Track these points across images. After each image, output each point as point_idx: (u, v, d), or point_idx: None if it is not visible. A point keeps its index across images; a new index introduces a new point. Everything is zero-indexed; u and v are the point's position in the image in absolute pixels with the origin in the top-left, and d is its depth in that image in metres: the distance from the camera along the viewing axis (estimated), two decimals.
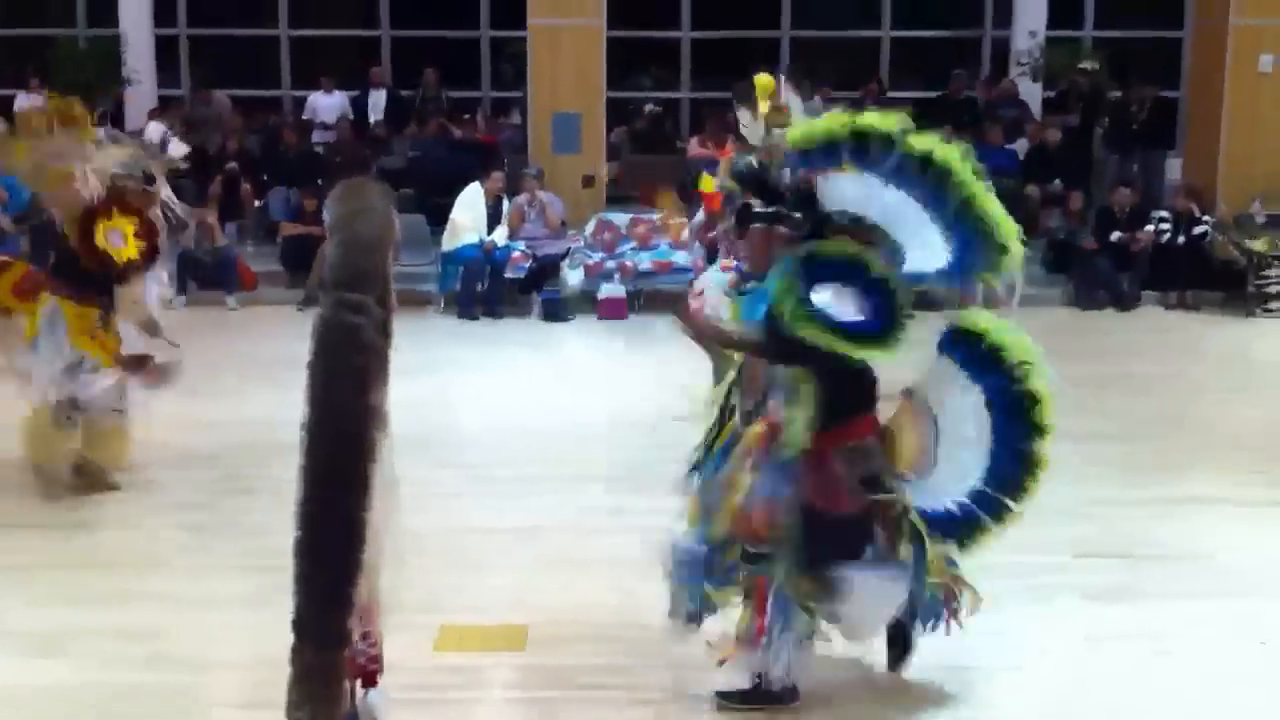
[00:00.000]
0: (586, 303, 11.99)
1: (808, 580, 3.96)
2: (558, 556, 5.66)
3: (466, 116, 15.04)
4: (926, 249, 3.93)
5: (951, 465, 4.25)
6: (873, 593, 3.97)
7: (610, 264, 12.22)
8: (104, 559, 5.63)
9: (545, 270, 12.06)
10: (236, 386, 8.70)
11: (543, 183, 12.48)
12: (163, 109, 14.87)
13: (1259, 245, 12.67)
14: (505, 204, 12.23)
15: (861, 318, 3.81)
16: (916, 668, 4.53)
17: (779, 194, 3.99)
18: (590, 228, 12.58)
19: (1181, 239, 12.70)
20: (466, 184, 12.18)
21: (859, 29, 17.05)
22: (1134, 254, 12.71)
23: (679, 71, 16.92)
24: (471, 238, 11.90)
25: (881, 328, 3.81)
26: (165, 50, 16.57)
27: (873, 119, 3.82)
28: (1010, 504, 4.35)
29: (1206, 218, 12.93)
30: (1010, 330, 4.20)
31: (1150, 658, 4.70)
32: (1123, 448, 7.43)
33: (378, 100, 15.57)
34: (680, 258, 12.18)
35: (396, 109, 15.44)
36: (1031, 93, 15.74)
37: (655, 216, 12.49)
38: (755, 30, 16.90)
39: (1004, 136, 14.46)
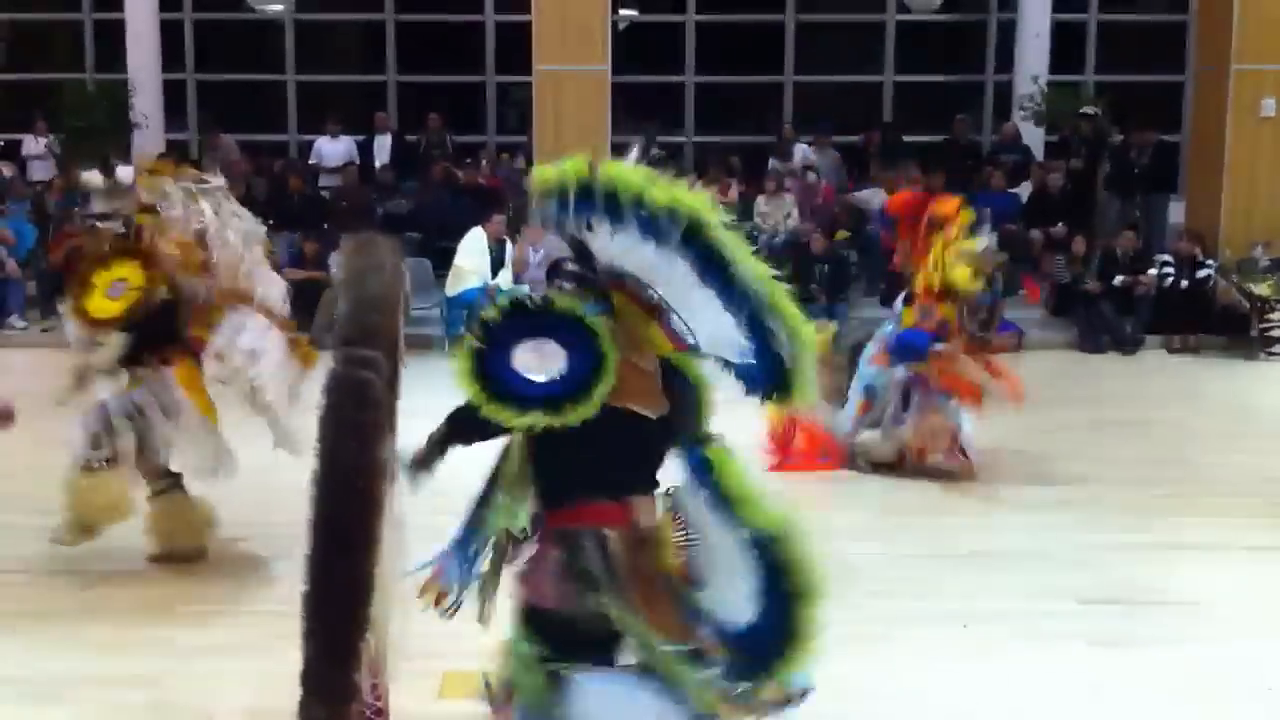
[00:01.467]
0: None
1: (535, 675, 3.31)
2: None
3: (469, 161, 15.12)
4: (707, 320, 3.23)
5: (723, 589, 3.31)
6: (608, 705, 3.22)
7: None
8: (104, 605, 5.62)
9: None
10: (237, 431, 8.68)
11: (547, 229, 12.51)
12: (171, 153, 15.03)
13: (1263, 289, 12.71)
14: (509, 247, 12.28)
15: (556, 377, 3.13)
16: (920, 714, 4.52)
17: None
18: None
19: (1184, 283, 12.75)
20: (471, 228, 12.25)
21: (862, 74, 17.15)
22: (1136, 298, 12.74)
23: (682, 116, 17.01)
24: (475, 282, 11.94)
25: (573, 386, 3.11)
26: (173, 94, 16.71)
27: (610, 170, 3.14)
28: (767, 669, 3.30)
29: (1209, 262, 12.98)
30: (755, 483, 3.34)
31: (1156, 705, 4.67)
32: (1124, 492, 7.43)
33: (383, 145, 15.67)
34: None
35: (402, 154, 15.53)
36: (1034, 137, 15.82)
37: None
38: (759, 75, 17.01)
39: (1007, 181, 14.51)
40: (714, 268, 3.13)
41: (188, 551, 6.02)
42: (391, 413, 3.12)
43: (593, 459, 3.21)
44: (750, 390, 3.37)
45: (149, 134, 15.78)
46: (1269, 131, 13.91)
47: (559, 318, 3.17)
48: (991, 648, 5.11)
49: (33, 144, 15.33)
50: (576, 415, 3.09)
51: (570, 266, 3.31)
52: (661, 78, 16.86)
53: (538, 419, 3.10)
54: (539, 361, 3.12)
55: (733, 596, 3.25)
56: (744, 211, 14.16)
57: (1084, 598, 5.70)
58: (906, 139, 16.00)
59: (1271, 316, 12.56)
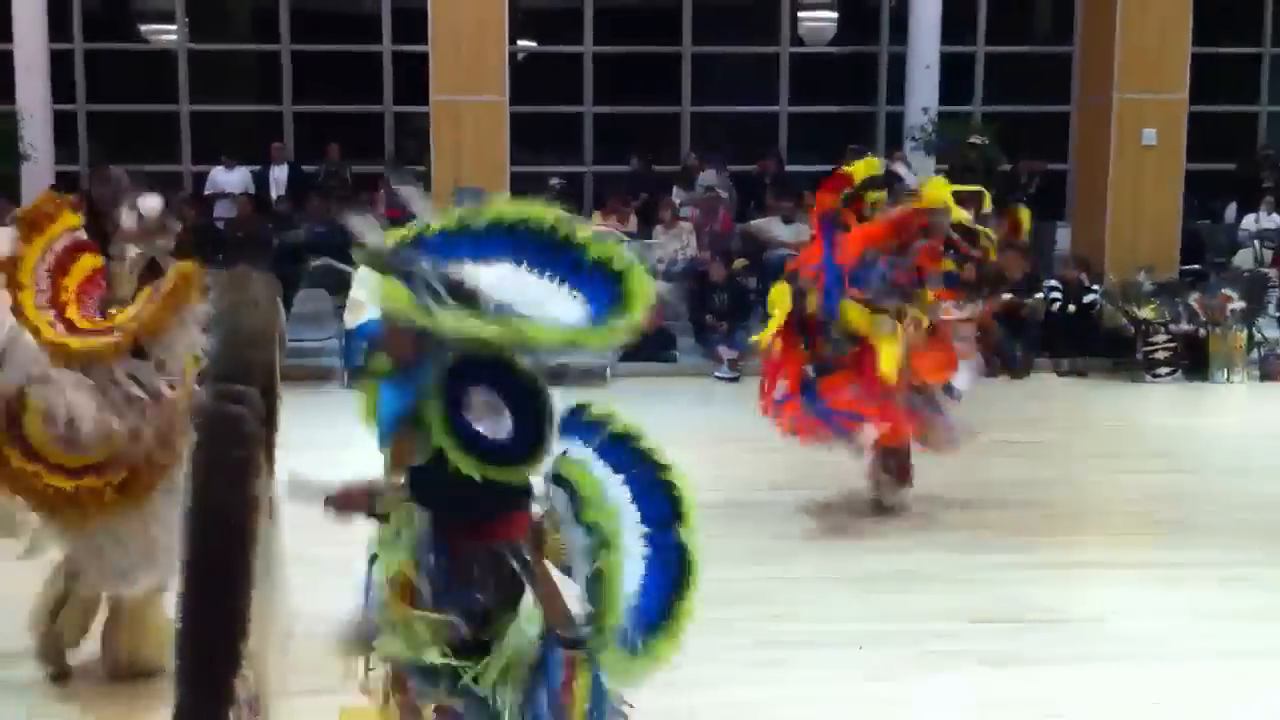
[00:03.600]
0: None
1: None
2: None
3: (379, 191, 15.01)
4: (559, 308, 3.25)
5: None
6: None
7: None
8: None
9: None
10: None
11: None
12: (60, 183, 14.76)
13: (1146, 312, 13.08)
14: None
15: (503, 435, 3.12)
16: None
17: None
18: None
19: (1072, 307, 13.08)
20: None
21: (757, 104, 17.39)
22: (1025, 322, 13.05)
23: (581, 146, 17.10)
24: (373, 313, 11.84)
25: (526, 448, 3.14)
26: (63, 126, 16.42)
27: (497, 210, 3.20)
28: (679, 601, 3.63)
29: (1095, 286, 13.33)
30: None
31: None
32: (1013, 513, 7.60)
33: (280, 175, 15.54)
34: None
35: (299, 184, 15.42)
36: (925, 166, 16.14)
37: None
38: (657, 106, 17.17)
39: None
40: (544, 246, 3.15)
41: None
42: (268, 447, 3.11)
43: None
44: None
45: (38, 166, 15.47)
46: (1151, 160, 14.35)
47: (502, 369, 3.09)
48: (887, 669, 5.20)
49: None
50: (527, 474, 3.14)
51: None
52: (560, 108, 16.94)
53: (498, 474, 3.05)
54: (488, 414, 3.06)
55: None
56: (642, 241, 14.28)
57: (975, 617, 5.83)
58: (801, 168, 16.25)
59: (1155, 339, 12.93)
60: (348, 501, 3.28)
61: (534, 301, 3.13)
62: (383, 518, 3.28)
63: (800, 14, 17.59)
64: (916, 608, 5.95)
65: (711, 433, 10.18)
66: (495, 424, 3.05)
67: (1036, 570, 6.54)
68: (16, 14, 15.78)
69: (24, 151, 15.28)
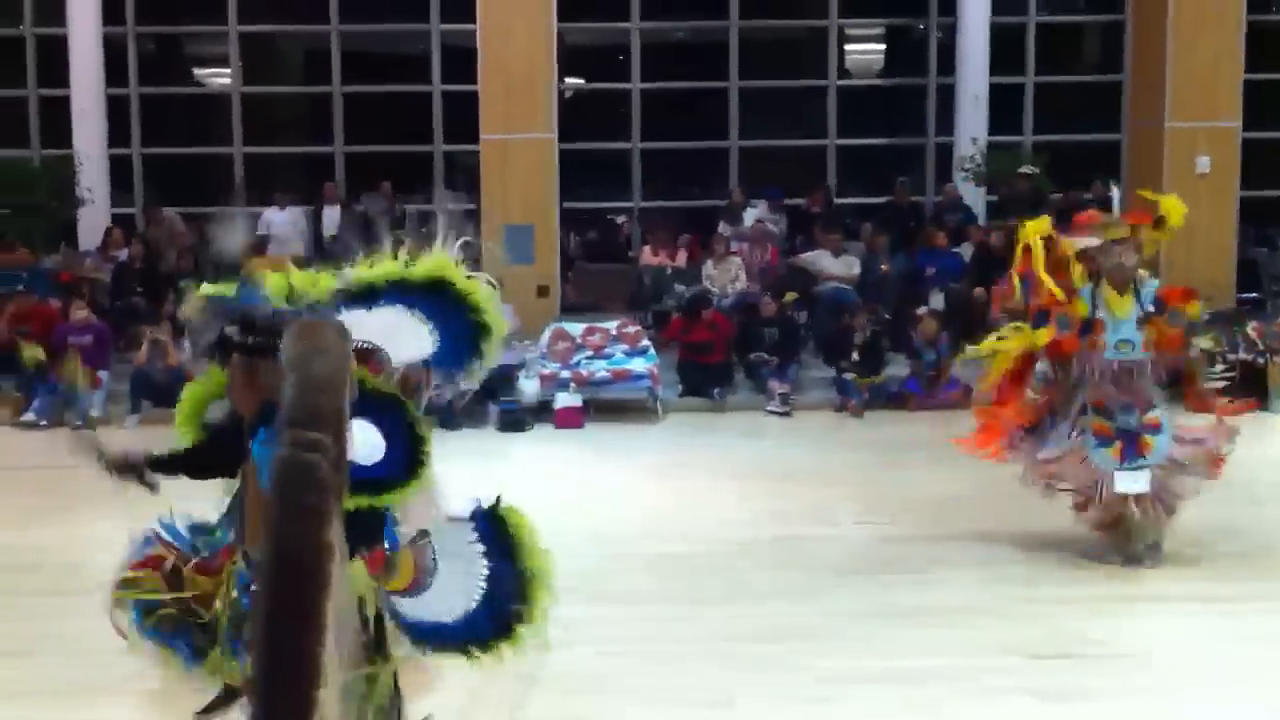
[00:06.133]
0: (544, 412, 12.04)
1: None
2: (507, 671, 5.61)
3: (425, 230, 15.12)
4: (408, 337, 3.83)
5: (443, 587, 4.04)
6: None
7: (565, 374, 12.29)
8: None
9: (501, 380, 12.09)
10: (186, 506, 8.63)
11: (499, 293, 12.61)
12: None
13: (1205, 343, 12.88)
14: None
15: (376, 458, 3.56)
16: None
17: (265, 326, 3.62)
18: (545, 338, 12.67)
19: None
20: None
21: (805, 138, 17.38)
22: None
23: (629, 182, 17.15)
24: None
25: (404, 472, 3.60)
26: (119, 169, 16.67)
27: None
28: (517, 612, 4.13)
29: None
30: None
31: None
32: (1068, 547, 7.48)
33: (332, 215, 15.69)
34: (637, 365, 12.30)
35: (352, 223, 15.53)
36: (975, 197, 16.07)
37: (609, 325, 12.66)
38: (704, 141, 17.21)
39: (950, 241, 14.71)
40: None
41: None
42: (339, 495, 3.13)
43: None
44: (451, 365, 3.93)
45: (94, 209, 15.71)
46: (1205, 188, 14.20)
47: (377, 399, 3.56)
48: (937, 706, 5.14)
49: None
50: (398, 498, 3.53)
51: (242, 338, 3.64)
52: (608, 144, 17.01)
53: (359, 501, 3.42)
54: (361, 444, 3.43)
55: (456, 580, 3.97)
56: (692, 275, 14.29)
57: (1029, 652, 5.75)
58: (850, 201, 16.23)
59: (1213, 369, 12.73)
60: (123, 466, 3.95)
61: (381, 332, 3.70)
62: (152, 488, 3.91)
63: (847, 46, 17.59)
64: (967, 642, 5.88)
65: (763, 467, 10.14)
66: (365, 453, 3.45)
67: (1092, 604, 6.45)
68: (74, 60, 16.08)
69: (81, 195, 15.52)
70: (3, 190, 15.05)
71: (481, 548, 4.09)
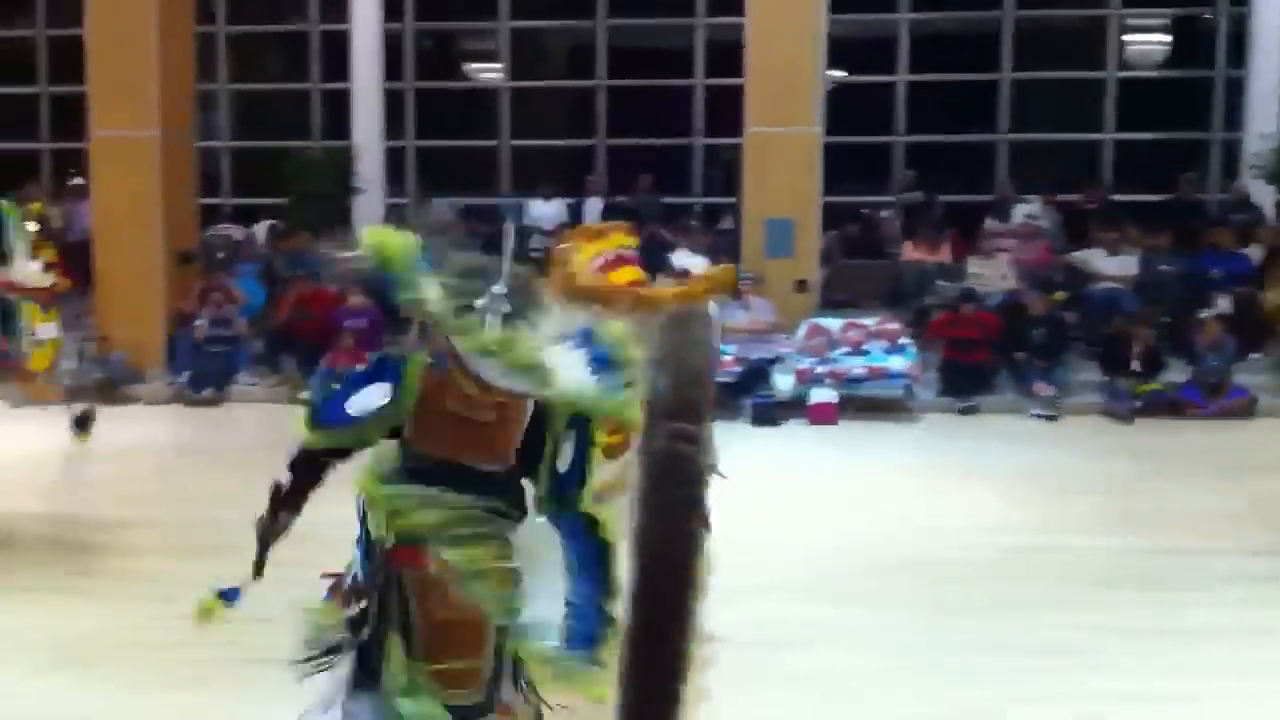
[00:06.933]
0: (797, 408, 11.89)
1: None
2: (749, 673, 5.51)
3: (686, 222, 15.20)
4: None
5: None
6: None
7: (821, 369, 12.09)
8: None
9: (755, 374, 12.01)
10: None
11: (758, 287, 12.59)
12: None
13: None
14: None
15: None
16: None
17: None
18: (802, 332, 12.51)
19: None
20: None
21: (1080, 131, 16.67)
22: None
23: (890, 176, 16.80)
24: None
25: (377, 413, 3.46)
26: (393, 160, 17.32)
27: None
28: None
29: None
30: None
31: None
32: None
33: (593, 207, 15.90)
34: (895, 363, 12.01)
35: (612, 215, 15.72)
36: (1265, 196, 15.09)
37: (868, 322, 12.42)
38: (971, 135, 16.71)
39: (1236, 242, 13.85)
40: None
41: None
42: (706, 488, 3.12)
43: None
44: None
45: (370, 199, 16.36)
46: None
47: (390, 361, 3.49)
48: None
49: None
50: (369, 436, 3.44)
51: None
52: (871, 138, 16.70)
53: (341, 438, 3.45)
54: (370, 398, 3.43)
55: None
56: (957, 272, 13.88)
57: None
58: (1127, 198, 15.47)
59: None
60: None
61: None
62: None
63: (1127, 36, 16.78)
64: (1248, 664, 5.47)
65: (1024, 473, 9.73)
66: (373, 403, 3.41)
67: None
68: (355, 56, 16.80)
69: (357, 185, 16.18)
70: (286, 180, 15.83)
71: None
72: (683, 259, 6.16)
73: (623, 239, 5.68)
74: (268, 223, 15.93)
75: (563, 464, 3.37)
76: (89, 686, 5.25)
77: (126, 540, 7.57)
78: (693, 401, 3.00)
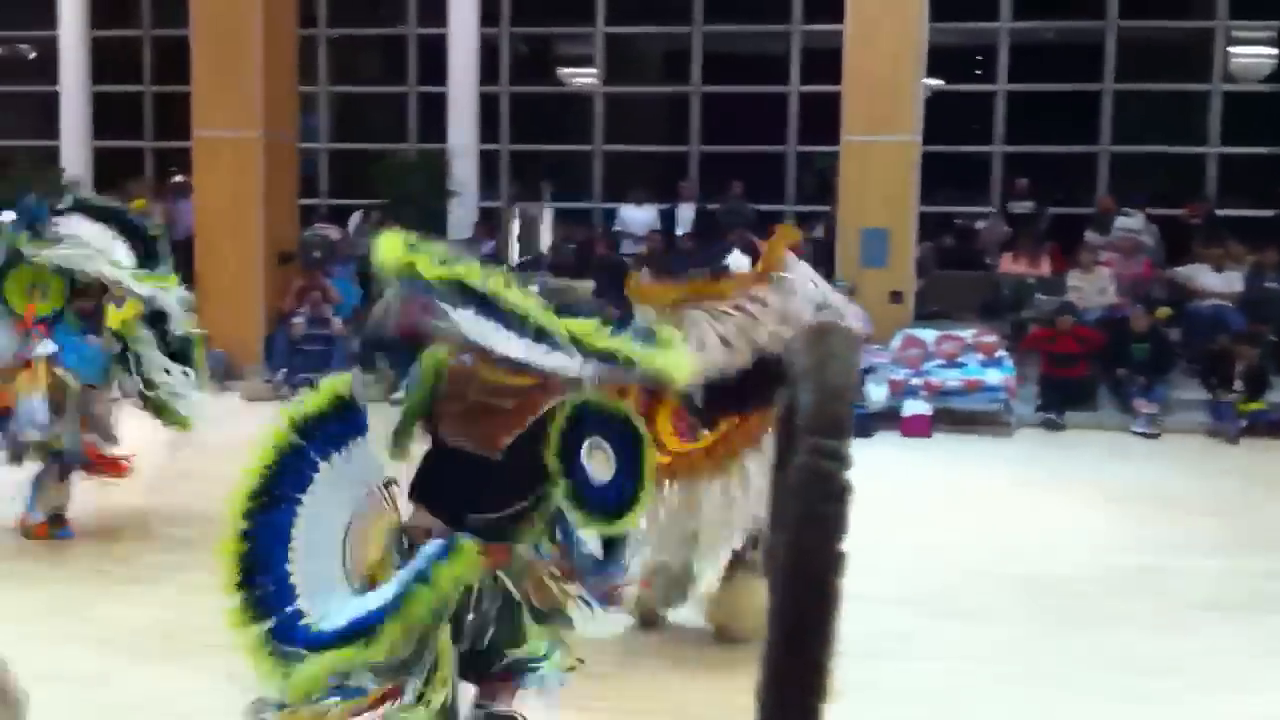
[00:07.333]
0: (890, 419, 11.75)
1: None
2: (855, 685, 5.43)
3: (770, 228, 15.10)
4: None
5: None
6: None
7: (915, 381, 11.95)
8: None
9: None
10: None
11: (852, 298, 12.43)
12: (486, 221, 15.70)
13: None
14: None
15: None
16: None
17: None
18: (896, 343, 12.37)
19: None
20: None
21: (1183, 144, 16.32)
22: None
23: (988, 187, 16.58)
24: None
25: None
26: (487, 163, 17.42)
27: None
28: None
29: None
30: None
31: None
32: None
33: (685, 213, 15.87)
34: (991, 376, 11.84)
35: (703, 221, 15.69)
36: None
37: (964, 334, 12.26)
38: (1072, 145, 16.44)
39: None
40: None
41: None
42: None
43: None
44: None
45: (463, 202, 16.46)
46: None
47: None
48: None
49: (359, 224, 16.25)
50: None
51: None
52: (968, 148, 16.49)
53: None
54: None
55: None
56: (1056, 285, 13.65)
57: None
58: (1232, 213, 15.13)
59: None
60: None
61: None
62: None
63: (1233, 49, 16.41)
64: None
65: (1125, 491, 9.54)
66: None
67: None
68: (452, 60, 16.93)
69: (452, 188, 16.28)
70: (382, 182, 15.99)
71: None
72: (735, 259, 6.09)
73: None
74: (359, 213, 16.12)
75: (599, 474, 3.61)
76: (181, 675, 5.30)
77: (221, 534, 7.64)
78: (836, 417, 2.98)
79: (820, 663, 2.84)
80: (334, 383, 3.82)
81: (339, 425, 3.74)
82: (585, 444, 3.62)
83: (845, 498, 2.90)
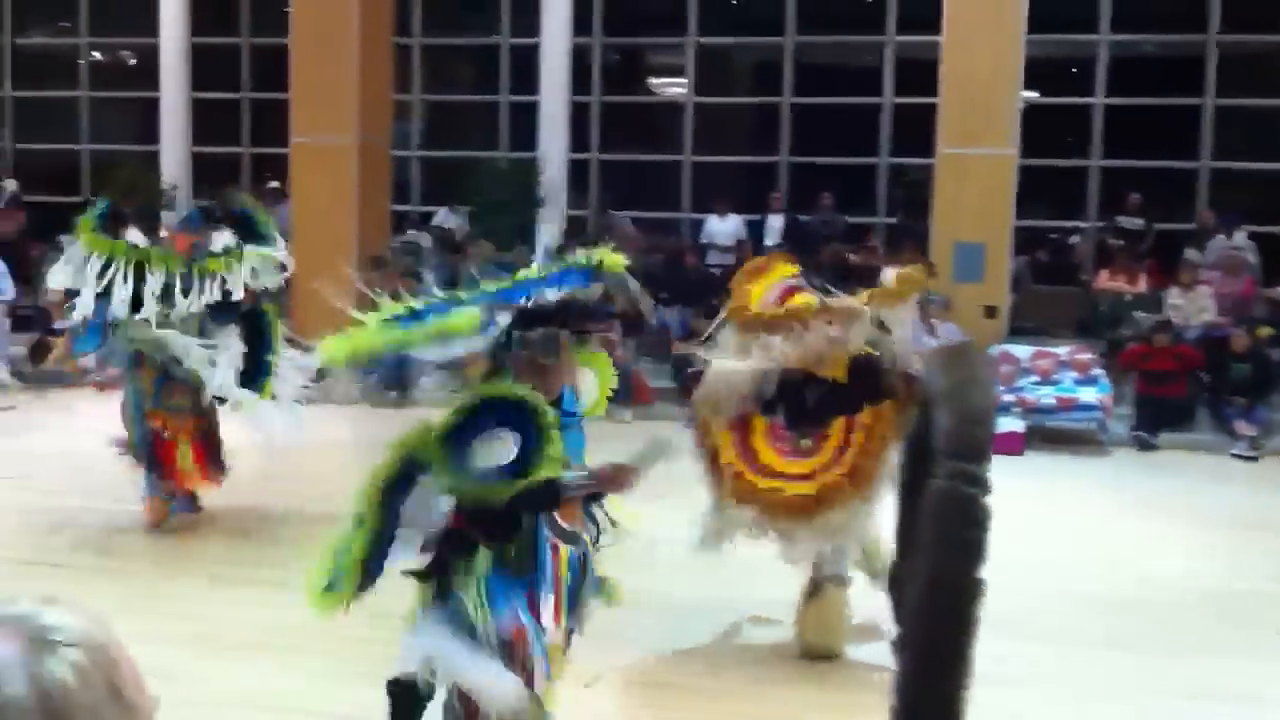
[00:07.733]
0: None
1: None
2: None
3: (872, 244, 14.98)
4: None
5: None
6: None
7: (1008, 398, 11.78)
8: None
9: None
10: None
11: (946, 312, 12.29)
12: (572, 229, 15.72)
13: None
14: None
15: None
16: None
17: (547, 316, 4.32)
18: None
19: None
20: None
21: None
22: None
23: (1084, 201, 16.31)
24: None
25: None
26: (577, 172, 17.46)
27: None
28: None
29: None
30: None
31: None
32: None
33: (774, 224, 15.78)
34: (1086, 394, 11.63)
35: (793, 233, 15.59)
36: None
37: (1060, 350, 12.05)
38: (1171, 161, 16.12)
39: None
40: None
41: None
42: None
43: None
44: None
45: (552, 210, 16.51)
46: None
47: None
48: None
49: (446, 216, 16.36)
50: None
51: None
52: (1064, 161, 16.24)
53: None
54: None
55: None
56: (1154, 302, 13.39)
57: None
58: None
59: None
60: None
61: None
62: None
63: None
64: None
65: (1223, 514, 9.33)
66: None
67: None
68: (544, 68, 17.00)
69: (542, 196, 16.34)
70: (472, 189, 16.09)
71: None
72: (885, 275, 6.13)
73: (785, 269, 6.18)
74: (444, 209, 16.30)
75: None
76: (287, 673, 5.35)
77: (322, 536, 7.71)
78: (977, 441, 2.93)
79: (960, 691, 2.80)
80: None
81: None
82: (482, 435, 4.04)
83: (985, 524, 2.84)
